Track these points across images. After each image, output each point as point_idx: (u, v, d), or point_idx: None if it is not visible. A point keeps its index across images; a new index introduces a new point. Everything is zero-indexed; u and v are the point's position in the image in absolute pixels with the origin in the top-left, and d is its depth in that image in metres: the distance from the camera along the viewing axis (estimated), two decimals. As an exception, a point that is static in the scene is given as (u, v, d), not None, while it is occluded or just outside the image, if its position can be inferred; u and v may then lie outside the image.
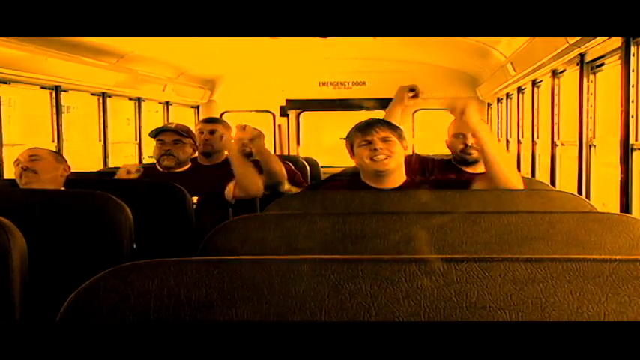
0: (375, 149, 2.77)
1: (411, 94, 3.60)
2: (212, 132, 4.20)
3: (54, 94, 5.68)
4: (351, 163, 3.09)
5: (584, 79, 4.54)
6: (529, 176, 5.85)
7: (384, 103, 9.11)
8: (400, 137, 2.85)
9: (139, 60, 6.45)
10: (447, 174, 3.52)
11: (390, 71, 8.75)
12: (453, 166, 3.61)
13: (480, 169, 3.53)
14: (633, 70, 3.58)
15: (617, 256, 1.22)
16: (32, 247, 1.92)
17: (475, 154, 3.48)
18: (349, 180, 3.04)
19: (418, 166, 3.59)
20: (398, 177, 2.85)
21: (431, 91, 8.86)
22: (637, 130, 3.58)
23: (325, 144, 9.56)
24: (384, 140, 2.79)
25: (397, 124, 3.00)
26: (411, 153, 9.32)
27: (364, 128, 2.85)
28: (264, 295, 1.20)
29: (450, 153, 3.65)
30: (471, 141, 3.46)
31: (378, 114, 9.29)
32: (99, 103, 6.62)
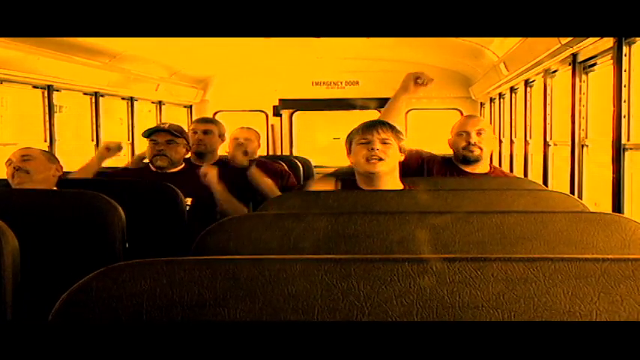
0: (373, 149, 2.77)
1: (418, 82, 3.38)
2: (206, 132, 4.20)
3: (46, 94, 5.66)
4: (344, 162, 3.09)
5: (577, 79, 4.55)
6: (522, 176, 5.87)
7: (377, 102, 9.13)
8: (399, 140, 2.85)
9: (131, 60, 6.44)
10: (445, 172, 3.53)
11: (383, 71, 8.75)
12: (453, 165, 3.63)
13: (479, 168, 3.56)
14: (625, 70, 3.59)
15: (610, 256, 1.22)
16: (24, 247, 1.91)
17: (477, 152, 3.51)
18: (343, 180, 3.03)
19: (417, 162, 3.58)
20: (390, 182, 2.85)
21: (424, 91, 8.87)
22: (629, 129, 3.60)
23: (318, 144, 9.56)
24: (383, 142, 2.79)
25: (398, 117, 2.98)
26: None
27: (366, 127, 2.86)
28: (256, 295, 1.20)
29: (452, 151, 3.66)
30: (474, 139, 3.49)
31: (372, 114, 9.31)
32: (91, 102, 6.60)
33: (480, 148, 3.51)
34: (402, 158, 2.89)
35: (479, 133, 3.52)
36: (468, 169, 3.56)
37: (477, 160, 3.53)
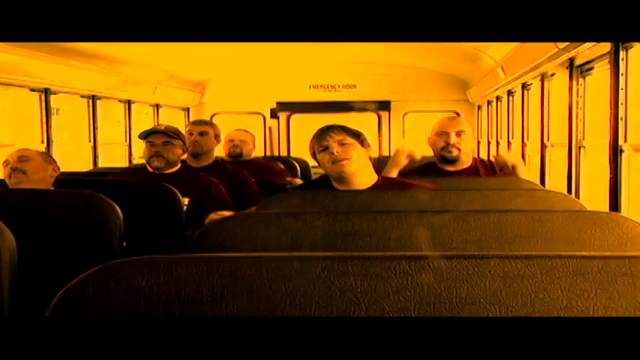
0: (333, 153, 2.78)
1: (407, 160, 3.47)
2: (202, 133, 4.23)
3: (43, 97, 5.66)
4: None
5: (574, 83, 4.56)
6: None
7: (375, 105, 9.14)
8: (359, 139, 2.84)
9: (128, 63, 6.44)
10: (426, 175, 3.53)
11: (380, 74, 8.77)
12: (434, 167, 3.63)
13: (460, 167, 3.57)
14: (622, 74, 3.61)
15: (607, 253, 1.22)
16: (22, 246, 1.91)
17: (455, 152, 3.52)
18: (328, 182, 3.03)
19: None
20: (365, 178, 2.85)
21: (421, 94, 8.89)
22: (626, 131, 3.61)
23: (316, 147, 9.53)
24: (341, 144, 2.79)
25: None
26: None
27: (320, 134, 2.88)
28: (254, 292, 1.20)
29: (433, 151, 3.67)
30: (453, 140, 3.51)
31: (369, 116, 9.33)
32: (88, 105, 6.60)
33: (459, 149, 3.53)
34: (368, 153, 2.89)
35: (458, 134, 3.53)
36: (450, 167, 3.57)
37: (454, 161, 3.54)
